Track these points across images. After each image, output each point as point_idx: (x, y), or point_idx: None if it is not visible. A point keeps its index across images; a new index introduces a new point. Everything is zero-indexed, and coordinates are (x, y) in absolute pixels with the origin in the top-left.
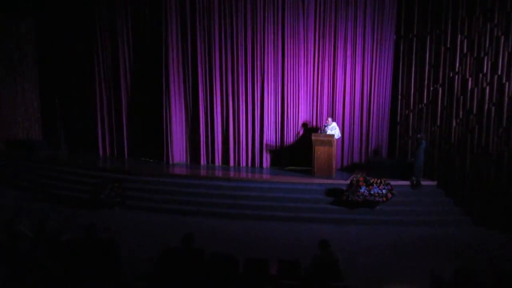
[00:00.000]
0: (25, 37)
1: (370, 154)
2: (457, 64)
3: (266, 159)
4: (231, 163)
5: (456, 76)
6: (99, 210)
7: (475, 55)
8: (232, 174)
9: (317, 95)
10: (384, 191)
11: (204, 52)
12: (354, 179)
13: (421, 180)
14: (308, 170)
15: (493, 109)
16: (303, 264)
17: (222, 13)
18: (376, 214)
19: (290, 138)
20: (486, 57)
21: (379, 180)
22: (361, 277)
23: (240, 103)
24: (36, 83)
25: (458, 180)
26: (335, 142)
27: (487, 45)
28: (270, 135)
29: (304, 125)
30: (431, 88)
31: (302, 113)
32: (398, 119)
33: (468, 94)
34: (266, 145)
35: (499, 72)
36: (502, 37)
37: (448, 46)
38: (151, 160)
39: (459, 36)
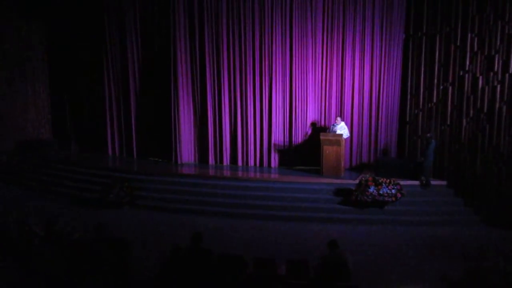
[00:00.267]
0: (36, 39)
1: (379, 154)
2: (467, 63)
3: (274, 159)
4: (239, 163)
5: (466, 75)
6: (109, 210)
7: (485, 53)
8: (240, 173)
9: (326, 95)
10: (393, 191)
11: (212, 53)
12: (363, 178)
13: (430, 180)
14: (316, 169)
15: (504, 108)
16: (312, 264)
17: (230, 14)
18: (385, 214)
19: (298, 137)
20: (497, 55)
21: (388, 180)
22: (370, 278)
23: (248, 103)
24: (46, 84)
25: (468, 179)
26: (344, 141)
27: (498, 43)
28: (278, 135)
29: (313, 124)
30: (441, 87)
31: (310, 113)
32: (407, 119)
33: (479, 92)
34: (274, 144)
35: (510, 71)
36: None
37: (458, 44)
38: (160, 160)
39: (469, 34)
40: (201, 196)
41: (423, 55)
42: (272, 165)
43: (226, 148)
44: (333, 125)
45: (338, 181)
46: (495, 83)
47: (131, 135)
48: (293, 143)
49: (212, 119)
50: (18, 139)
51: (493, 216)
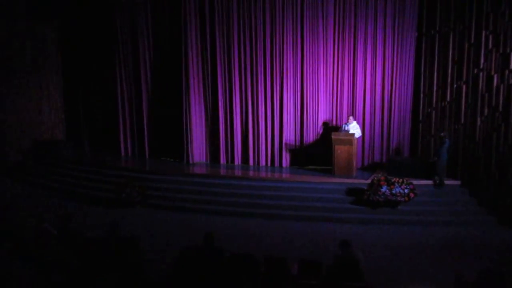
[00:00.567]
0: (50, 40)
1: (392, 153)
2: (482, 61)
3: (286, 158)
4: (251, 162)
5: (481, 73)
6: (121, 209)
7: (500, 51)
8: (251, 173)
9: (337, 94)
10: (406, 190)
11: (223, 52)
12: (375, 178)
13: (444, 179)
14: (328, 169)
15: None
16: (324, 264)
17: (241, 14)
18: (398, 214)
19: (309, 137)
20: None
21: (401, 180)
22: (382, 278)
23: (260, 102)
24: (60, 84)
25: (482, 179)
26: (356, 141)
27: None
28: (289, 134)
29: (324, 124)
30: (455, 85)
31: (321, 112)
32: (420, 118)
33: (494, 91)
34: (286, 144)
35: None
36: None
37: (472, 42)
38: (172, 160)
39: (483, 32)
40: (213, 195)
41: (436, 54)
42: (284, 164)
43: (237, 148)
44: (345, 124)
45: (350, 180)
46: (510, 81)
47: (143, 135)
48: (305, 142)
49: (223, 118)
50: (33, 139)
51: (508, 216)
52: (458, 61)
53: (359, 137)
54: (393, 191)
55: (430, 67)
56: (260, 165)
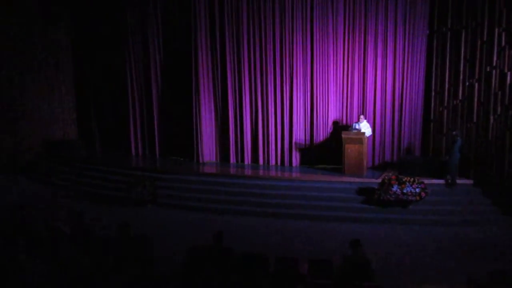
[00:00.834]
0: (62, 41)
1: (403, 152)
2: (495, 58)
3: (296, 158)
4: (261, 162)
5: (494, 71)
6: (132, 208)
7: None
8: (261, 172)
9: (347, 93)
10: (417, 190)
11: (233, 52)
12: (386, 177)
13: (456, 178)
14: (338, 168)
15: None
16: (334, 263)
17: (250, 13)
18: (409, 214)
19: (319, 136)
20: None
21: (412, 179)
22: (393, 278)
23: (269, 101)
24: (72, 85)
25: (496, 178)
26: (366, 140)
27: None
28: (299, 134)
29: (334, 123)
30: (467, 84)
31: (332, 111)
32: (432, 116)
33: (507, 89)
34: (296, 143)
35: None
36: None
37: (485, 39)
38: (182, 159)
39: (496, 29)
40: (223, 195)
41: (448, 51)
42: (294, 164)
43: (247, 147)
44: (356, 123)
45: (361, 180)
46: None
47: (153, 135)
48: (315, 141)
49: (233, 118)
50: (46, 139)
51: None
52: (470, 59)
53: (369, 136)
54: (404, 191)
55: (442, 65)
56: (270, 164)
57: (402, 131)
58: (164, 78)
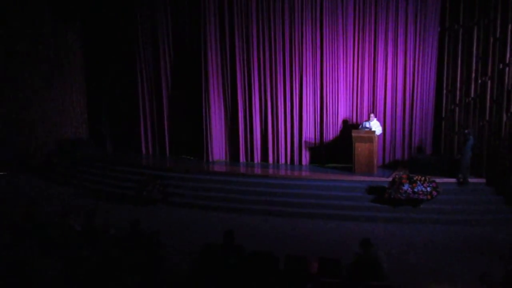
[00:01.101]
0: (73, 42)
1: (413, 151)
2: (508, 55)
3: (305, 156)
4: (270, 161)
5: (507, 68)
6: (143, 207)
7: None
8: (271, 171)
9: (357, 91)
10: (428, 189)
11: (242, 51)
12: (397, 176)
13: (468, 177)
14: (348, 167)
15: None
16: (344, 262)
17: (259, 12)
18: (420, 213)
19: (329, 134)
20: None
21: (423, 178)
22: (404, 277)
23: (279, 100)
24: (83, 85)
25: (509, 177)
26: (376, 138)
27: None
28: (309, 132)
29: (344, 121)
30: (479, 81)
31: (341, 109)
32: (443, 114)
33: None
34: (305, 142)
35: None
36: None
37: (498, 36)
38: (192, 158)
39: (509, 25)
40: (232, 193)
41: (459, 48)
42: (303, 162)
43: (256, 146)
44: (366, 121)
45: (371, 178)
46: None
47: (163, 134)
48: (324, 140)
49: (242, 117)
50: (57, 138)
51: None
52: (482, 56)
53: (380, 135)
54: (415, 189)
55: (454, 62)
56: (280, 163)
57: (413, 129)
58: (174, 78)
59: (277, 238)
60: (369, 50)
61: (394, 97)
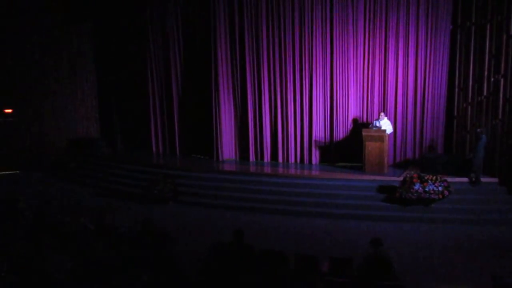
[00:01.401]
0: (84, 40)
1: (425, 150)
2: None
3: (315, 155)
4: (280, 160)
5: None
6: (154, 205)
7: None
8: (281, 170)
9: (368, 89)
10: (440, 188)
11: (252, 50)
12: (408, 175)
13: (480, 177)
14: (358, 166)
15: None
16: (355, 262)
17: (269, 11)
18: (431, 212)
19: (339, 133)
20: None
21: (434, 177)
22: (415, 277)
23: (288, 99)
24: (94, 84)
25: None
26: (387, 137)
27: None
28: (319, 131)
29: (354, 120)
30: (492, 79)
31: (352, 108)
32: (455, 113)
33: None
34: (315, 141)
35: None
36: None
37: (511, 33)
38: (202, 157)
39: None
40: (242, 192)
41: (472, 46)
42: (313, 161)
43: (266, 145)
44: (376, 120)
45: (381, 178)
46: None
47: (174, 133)
48: (334, 139)
49: (252, 116)
50: (70, 137)
51: None
52: (495, 54)
53: (390, 134)
54: (427, 189)
55: (466, 60)
56: (289, 162)
57: (424, 128)
58: (184, 78)
59: (287, 237)
60: (379, 48)
61: (405, 96)
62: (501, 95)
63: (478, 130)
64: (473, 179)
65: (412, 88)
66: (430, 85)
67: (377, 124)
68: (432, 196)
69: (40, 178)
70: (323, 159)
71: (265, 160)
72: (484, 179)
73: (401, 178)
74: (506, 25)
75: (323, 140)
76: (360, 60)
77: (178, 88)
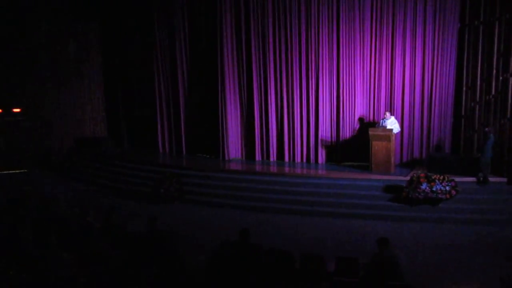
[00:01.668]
0: (92, 40)
1: (432, 149)
2: None
3: (322, 155)
4: (286, 159)
5: None
6: (160, 204)
7: None
8: (287, 170)
9: (374, 88)
10: (447, 188)
11: (258, 49)
12: (415, 175)
13: (488, 176)
14: (365, 165)
15: None
16: (361, 262)
17: (276, 11)
18: (439, 212)
19: (346, 133)
20: None
21: (441, 177)
22: (422, 277)
23: (295, 99)
24: (101, 83)
25: None
26: (394, 136)
27: None
28: (325, 130)
29: (361, 119)
30: (500, 78)
31: (358, 108)
32: (463, 112)
33: None
34: (321, 140)
35: None
36: None
37: None
38: (208, 156)
39: None
40: (248, 191)
41: (480, 45)
42: (319, 161)
43: (272, 144)
44: (382, 120)
45: (388, 177)
46: None
47: (180, 133)
48: (341, 138)
49: (258, 115)
50: (77, 136)
51: None
52: (504, 53)
53: (397, 133)
54: (434, 188)
55: (474, 59)
56: (296, 161)
57: (432, 127)
58: (190, 77)
59: (293, 237)
60: (386, 46)
61: (412, 95)
62: (509, 94)
63: (486, 129)
64: (481, 178)
65: (419, 87)
66: (438, 84)
67: (384, 124)
68: (440, 195)
69: (47, 177)
70: (329, 158)
71: (271, 159)
72: (492, 179)
73: (408, 178)
74: None
75: (329, 140)
76: (367, 59)
77: (185, 88)
